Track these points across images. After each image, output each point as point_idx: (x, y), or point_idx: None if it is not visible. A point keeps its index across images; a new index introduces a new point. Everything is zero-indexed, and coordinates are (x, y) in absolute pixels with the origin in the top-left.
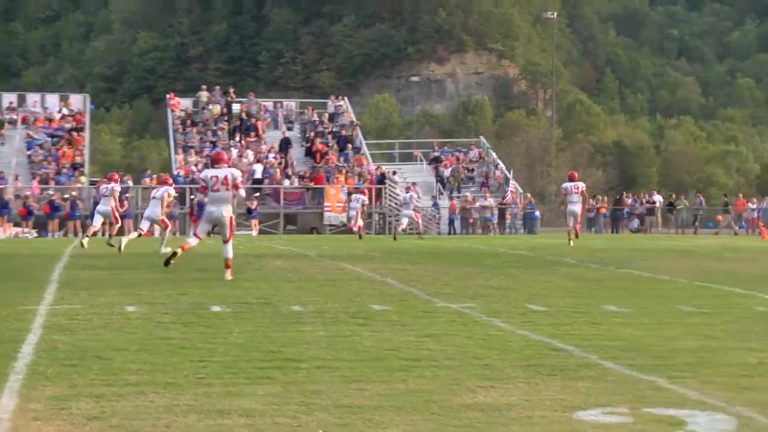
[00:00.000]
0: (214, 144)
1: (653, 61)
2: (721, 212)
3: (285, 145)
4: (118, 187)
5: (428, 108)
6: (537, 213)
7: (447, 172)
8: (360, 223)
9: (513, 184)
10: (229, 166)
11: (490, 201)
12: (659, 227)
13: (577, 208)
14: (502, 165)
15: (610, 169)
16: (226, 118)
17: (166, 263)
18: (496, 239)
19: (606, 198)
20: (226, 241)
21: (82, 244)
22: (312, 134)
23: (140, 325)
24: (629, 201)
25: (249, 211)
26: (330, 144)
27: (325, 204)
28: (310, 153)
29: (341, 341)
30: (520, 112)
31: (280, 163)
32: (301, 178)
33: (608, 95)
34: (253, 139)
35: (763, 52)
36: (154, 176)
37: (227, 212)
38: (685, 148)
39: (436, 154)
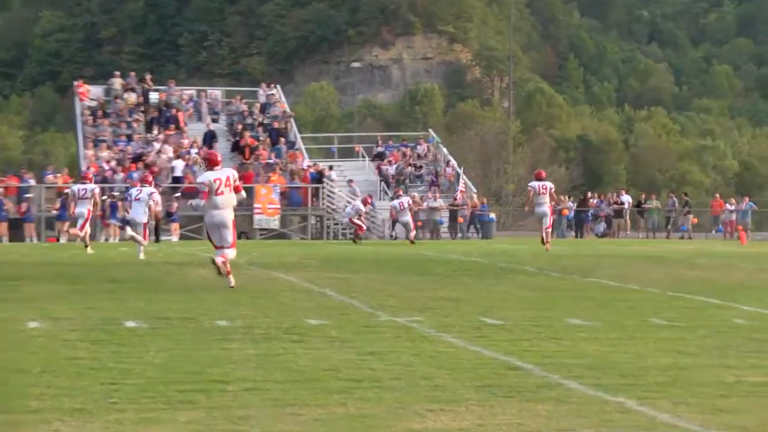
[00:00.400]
0: (129, 137)
1: (621, 45)
2: (682, 215)
3: (209, 138)
4: (97, 189)
5: (371, 98)
6: (492, 215)
7: (392, 170)
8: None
9: (463, 183)
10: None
11: (440, 202)
12: (628, 231)
13: (546, 209)
14: (453, 161)
15: (574, 167)
16: (142, 109)
17: (225, 277)
18: (446, 245)
19: (569, 198)
20: (229, 246)
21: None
22: (240, 127)
23: (43, 343)
24: (594, 202)
25: (169, 213)
26: (261, 138)
27: (255, 206)
28: (238, 148)
29: (273, 360)
30: (474, 103)
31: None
32: None
33: (572, 84)
34: (173, 133)
35: (742, 37)
36: (135, 177)
37: (230, 215)
38: (657, 142)
39: (380, 149)
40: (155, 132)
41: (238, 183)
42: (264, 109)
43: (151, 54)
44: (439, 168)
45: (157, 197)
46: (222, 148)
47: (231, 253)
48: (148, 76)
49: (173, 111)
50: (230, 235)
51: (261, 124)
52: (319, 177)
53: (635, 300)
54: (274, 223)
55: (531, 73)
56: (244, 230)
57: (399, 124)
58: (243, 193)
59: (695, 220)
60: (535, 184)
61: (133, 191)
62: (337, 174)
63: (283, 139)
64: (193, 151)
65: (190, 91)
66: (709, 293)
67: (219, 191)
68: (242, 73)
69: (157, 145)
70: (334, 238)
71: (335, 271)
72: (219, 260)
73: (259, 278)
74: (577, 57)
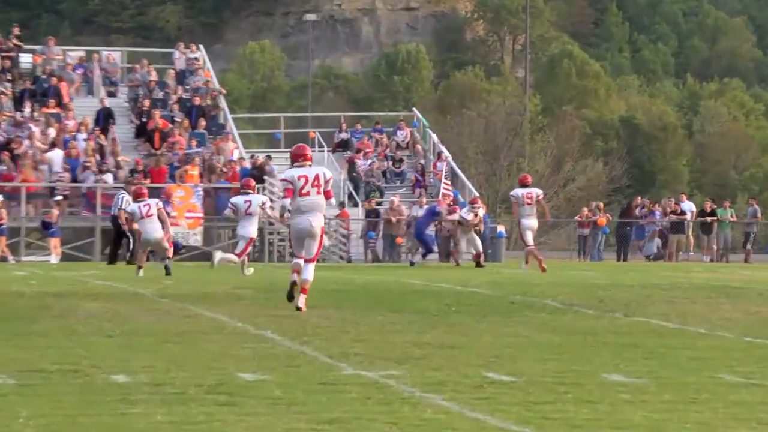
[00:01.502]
0: None
1: None
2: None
3: (104, 119)
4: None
5: (332, 64)
6: (502, 230)
7: (362, 164)
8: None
9: (446, 183)
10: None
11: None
12: (691, 251)
13: (534, 222)
14: (446, 153)
15: (616, 161)
16: (9, 77)
17: (290, 298)
18: (437, 270)
19: (603, 208)
20: (310, 260)
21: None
22: (147, 104)
23: None
24: (644, 211)
25: (45, 225)
26: (176, 119)
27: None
28: (144, 132)
29: (192, 430)
30: (476, 72)
31: (96, 150)
32: (132, 172)
33: (613, 45)
34: (53, 111)
35: None
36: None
37: (318, 222)
38: (732, 128)
39: (344, 135)
40: (27, 110)
41: (330, 187)
42: (182, 78)
43: (22, 1)
44: (427, 162)
45: (268, 203)
46: (122, 132)
47: (309, 270)
48: (14, 31)
49: (53, 81)
50: (316, 246)
51: (178, 100)
52: (257, 174)
53: (700, 348)
54: (195, 238)
55: (556, 30)
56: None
57: (371, 101)
58: (333, 201)
59: None
60: (518, 192)
61: (243, 204)
62: (276, 165)
63: (207, 121)
64: (81, 137)
65: (77, 53)
66: None
67: (304, 191)
68: (151, 28)
69: (33, 128)
70: (279, 260)
71: (280, 306)
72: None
73: (172, 316)
74: (621, 8)
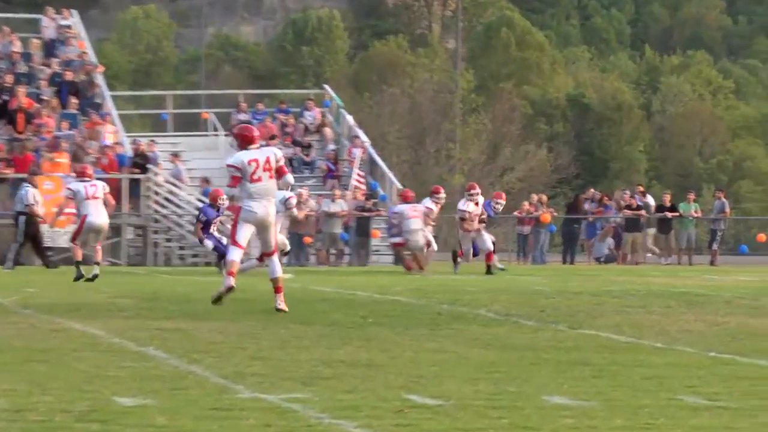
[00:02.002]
0: None
1: None
2: (758, 226)
3: None
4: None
5: (230, 32)
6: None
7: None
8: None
9: (358, 175)
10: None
11: (342, 204)
12: (648, 252)
13: (422, 238)
14: (363, 138)
15: (562, 147)
16: None
17: (216, 301)
18: (352, 274)
19: (547, 202)
20: (270, 254)
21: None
22: (9, 79)
23: None
24: (595, 205)
25: None
26: (44, 97)
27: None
28: (5, 113)
29: None
30: (399, 42)
31: None
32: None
33: (560, 12)
34: None
35: None
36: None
37: (273, 209)
38: (698, 108)
39: (244, 117)
40: None
41: (282, 164)
42: (51, 50)
43: None
44: (341, 149)
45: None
46: None
47: (276, 265)
48: None
49: None
50: (272, 236)
51: (48, 77)
52: (140, 161)
53: (656, 366)
54: (65, 238)
55: None
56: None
57: (275, 77)
58: (290, 177)
59: (763, 238)
60: (403, 207)
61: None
62: (173, 157)
63: (81, 100)
64: None
65: None
66: None
67: (256, 177)
68: None
69: None
70: (167, 264)
71: (165, 318)
72: (236, 256)
73: (37, 329)
74: None
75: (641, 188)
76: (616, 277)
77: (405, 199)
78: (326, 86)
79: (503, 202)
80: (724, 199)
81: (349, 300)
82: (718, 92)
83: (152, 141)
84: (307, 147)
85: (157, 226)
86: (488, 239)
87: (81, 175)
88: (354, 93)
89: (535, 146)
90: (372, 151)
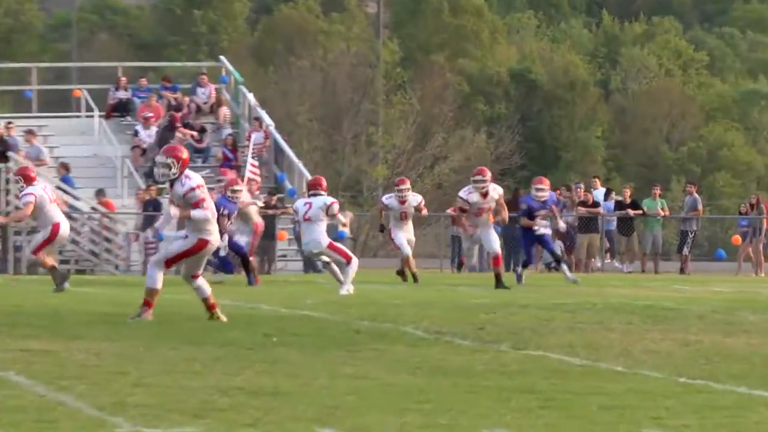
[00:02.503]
0: None
1: None
2: (737, 228)
3: None
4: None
5: None
6: (344, 230)
7: (146, 136)
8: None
9: (251, 165)
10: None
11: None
12: (607, 256)
13: (323, 239)
14: (267, 121)
15: (504, 132)
16: None
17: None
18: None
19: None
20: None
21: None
22: None
23: None
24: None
25: None
26: None
27: None
28: None
29: None
30: (309, 4)
31: None
32: None
33: None
34: None
35: None
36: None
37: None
38: (666, 86)
39: (124, 94)
40: None
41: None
42: None
43: None
44: (240, 132)
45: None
46: None
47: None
48: None
49: None
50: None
51: None
52: None
53: (616, 393)
54: None
55: None
56: None
57: (161, 47)
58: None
59: (738, 240)
60: (298, 204)
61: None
62: (40, 143)
63: None
64: None
65: None
66: (758, 380)
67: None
68: None
69: None
70: (31, 272)
71: (31, 337)
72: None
73: None
74: None
75: (598, 181)
76: (569, 288)
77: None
78: (222, 58)
79: (484, 177)
80: (696, 195)
81: (250, 315)
82: (689, 67)
83: (10, 123)
84: (200, 131)
85: (20, 226)
86: (496, 240)
87: (27, 179)
88: (256, 66)
89: (473, 131)
90: (277, 135)
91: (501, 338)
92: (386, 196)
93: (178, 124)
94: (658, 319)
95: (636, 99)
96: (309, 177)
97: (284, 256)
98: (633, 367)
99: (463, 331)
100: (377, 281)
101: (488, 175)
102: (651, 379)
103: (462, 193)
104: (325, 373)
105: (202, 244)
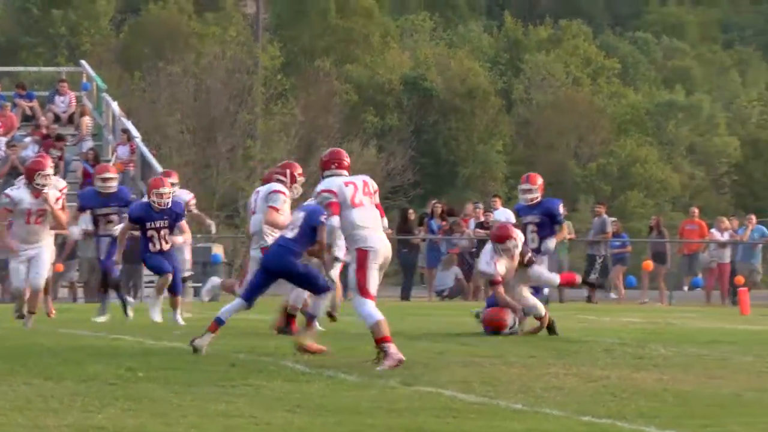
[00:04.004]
0: None
1: None
2: (649, 250)
3: None
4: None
5: None
6: (219, 252)
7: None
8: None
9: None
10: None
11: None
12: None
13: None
14: (134, 132)
15: (397, 146)
16: None
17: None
18: (121, 312)
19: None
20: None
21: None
22: None
23: None
24: (433, 224)
25: None
26: None
27: None
28: None
29: None
30: (180, 4)
31: None
32: None
33: None
34: None
35: None
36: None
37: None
38: (573, 96)
39: None
40: None
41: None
42: None
43: None
44: (104, 145)
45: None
46: None
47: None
48: None
49: None
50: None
51: None
52: None
53: None
54: None
55: None
56: None
57: (16, 49)
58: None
59: (649, 265)
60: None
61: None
62: None
63: None
64: None
65: None
66: (670, 419)
67: (357, 201)
68: None
69: None
70: None
71: None
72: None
73: None
74: None
75: (498, 201)
76: (465, 318)
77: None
78: (84, 63)
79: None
80: (605, 216)
81: (113, 347)
82: (599, 75)
83: None
84: (59, 141)
85: None
86: (546, 275)
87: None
88: (122, 72)
89: (361, 144)
90: (144, 149)
91: (389, 373)
92: (483, 262)
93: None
94: (562, 352)
95: (541, 110)
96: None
97: (153, 282)
98: (533, 404)
99: (347, 364)
100: (257, 310)
101: (515, 233)
102: (552, 417)
103: (483, 267)
104: (194, 411)
105: None
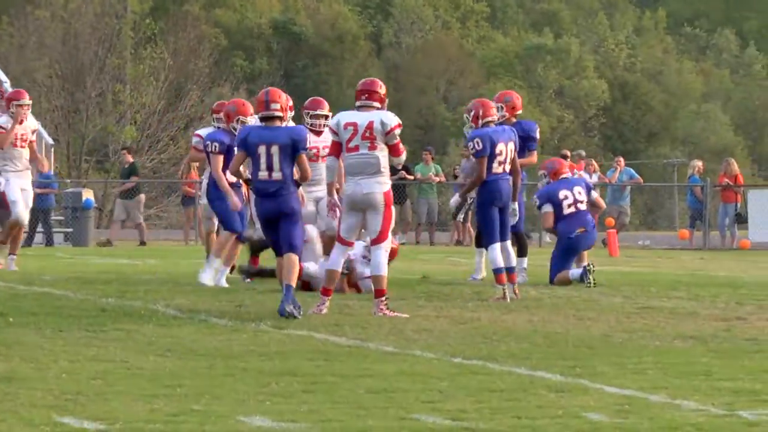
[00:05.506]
0: None
1: None
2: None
3: None
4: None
5: None
6: (90, 196)
7: None
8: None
9: None
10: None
11: None
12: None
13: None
14: (2, 78)
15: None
16: None
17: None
18: None
19: None
20: (376, 241)
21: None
22: None
23: None
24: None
25: None
26: None
27: None
28: None
29: None
30: None
31: None
32: None
33: None
34: None
35: None
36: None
37: (380, 187)
38: (443, 40)
39: None
40: None
41: (395, 138)
42: None
43: None
44: None
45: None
46: None
47: (380, 260)
48: None
49: None
50: (380, 220)
51: None
52: None
53: (386, 375)
54: None
55: None
56: None
57: None
58: (403, 156)
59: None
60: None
61: None
62: None
63: None
64: None
65: None
66: (540, 360)
67: (353, 146)
68: None
69: None
70: None
71: None
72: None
73: None
74: None
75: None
76: None
77: None
78: None
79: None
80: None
81: None
82: (468, 19)
83: None
84: None
85: None
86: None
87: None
88: None
89: (231, 89)
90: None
91: (261, 317)
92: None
93: None
94: (432, 294)
95: (411, 54)
96: (50, 141)
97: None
98: (404, 347)
99: (219, 308)
100: (123, 255)
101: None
102: (423, 359)
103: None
104: (65, 356)
105: None
